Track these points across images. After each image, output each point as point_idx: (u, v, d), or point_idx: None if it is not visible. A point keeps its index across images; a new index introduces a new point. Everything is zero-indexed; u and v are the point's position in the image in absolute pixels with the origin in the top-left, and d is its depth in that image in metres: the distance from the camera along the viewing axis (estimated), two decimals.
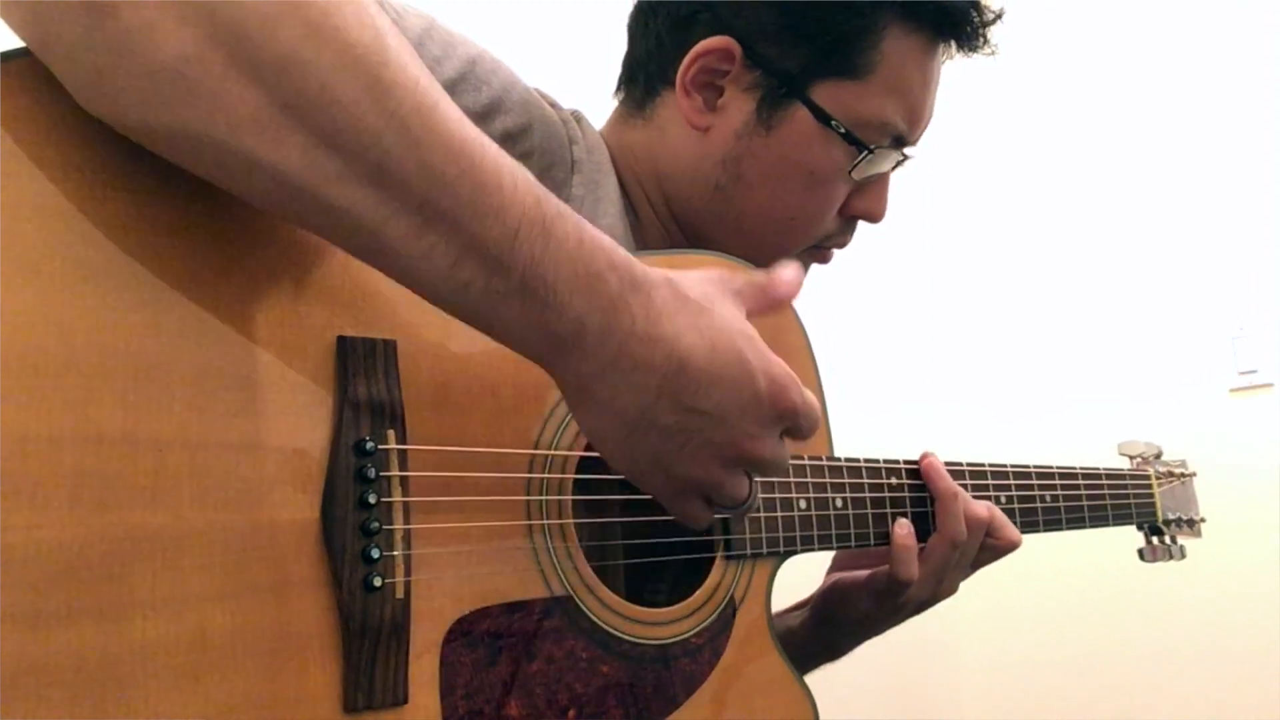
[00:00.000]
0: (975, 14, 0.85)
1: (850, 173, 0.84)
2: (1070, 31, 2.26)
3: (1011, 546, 0.89)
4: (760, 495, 0.61)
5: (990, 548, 0.88)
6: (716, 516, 0.60)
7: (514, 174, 0.49)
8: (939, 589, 0.87)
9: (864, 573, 0.89)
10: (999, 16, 0.87)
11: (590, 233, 0.52)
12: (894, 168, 0.89)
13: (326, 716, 0.50)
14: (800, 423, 0.58)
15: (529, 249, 0.48)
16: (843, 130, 0.82)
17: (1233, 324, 2.07)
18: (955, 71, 0.90)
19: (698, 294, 0.56)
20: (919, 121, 0.87)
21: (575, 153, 0.79)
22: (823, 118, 0.82)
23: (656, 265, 0.73)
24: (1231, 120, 2.10)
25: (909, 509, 0.85)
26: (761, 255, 0.86)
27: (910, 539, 0.83)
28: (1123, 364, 2.16)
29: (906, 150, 0.88)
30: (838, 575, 0.93)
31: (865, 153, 0.83)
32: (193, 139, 0.44)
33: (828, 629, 0.93)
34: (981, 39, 0.87)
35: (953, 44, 0.86)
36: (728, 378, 0.54)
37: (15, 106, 0.45)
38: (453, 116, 0.48)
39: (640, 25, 0.89)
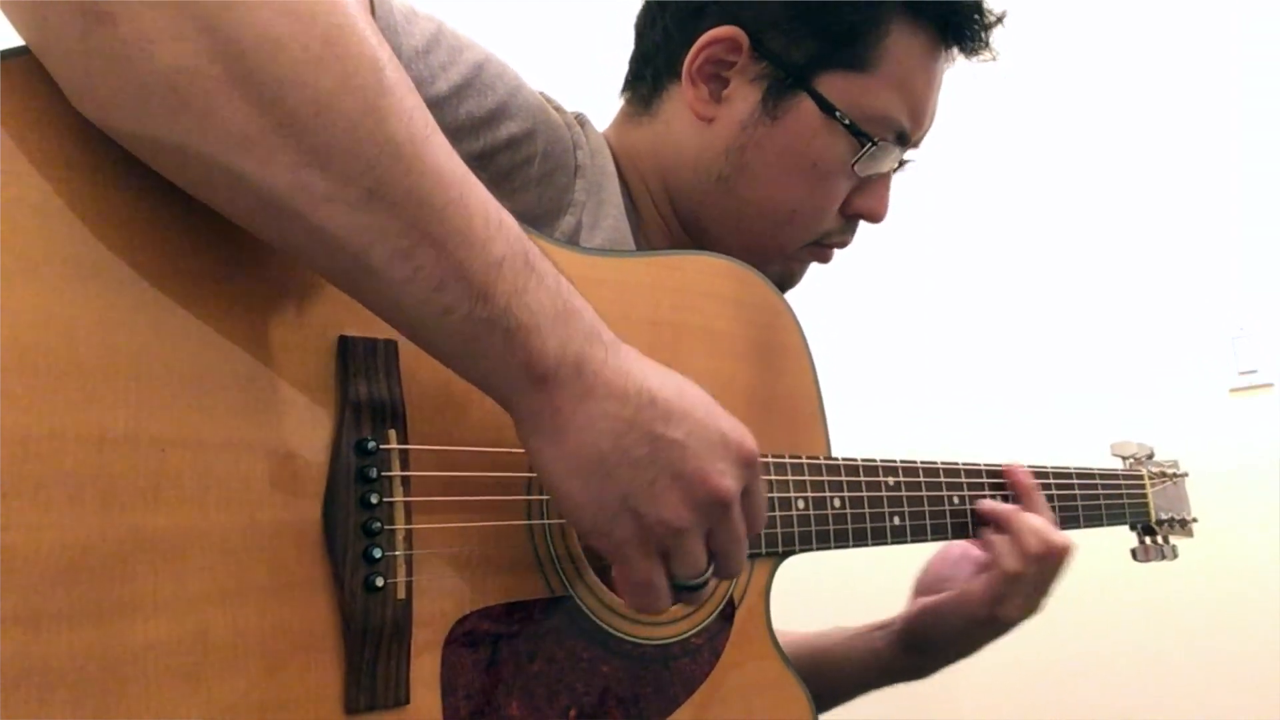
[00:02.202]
0: (978, 16, 0.87)
1: (853, 166, 0.85)
2: (1072, 32, 2.26)
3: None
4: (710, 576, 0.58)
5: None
6: (673, 597, 0.58)
7: (499, 212, 0.50)
8: (1036, 598, 0.90)
9: (952, 592, 0.91)
10: (1000, 20, 0.88)
11: (565, 277, 0.53)
12: (896, 169, 0.90)
13: (328, 717, 0.50)
14: (756, 486, 0.58)
15: (512, 279, 0.49)
16: (847, 122, 0.83)
17: (1233, 324, 2.08)
18: (958, 66, 0.91)
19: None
20: (921, 120, 0.88)
21: (579, 157, 0.79)
22: (827, 109, 0.83)
23: (658, 265, 0.74)
24: (1231, 120, 2.10)
25: (905, 507, 0.85)
26: (762, 250, 0.87)
27: (998, 532, 0.87)
28: (1123, 364, 2.16)
29: (908, 153, 0.89)
30: (925, 601, 0.95)
31: (869, 145, 0.84)
32: (180, 151, 0.44)
33: (917, 653, 0.95)
34: (982, 42, 0.88)
35: (955, 49, 0.88)
36: (695, 416, 0.55)
37: (15, 105, 0.45)
38: (444, 149, 0.48)
39: (649, 21, 0.90)
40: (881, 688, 0.98)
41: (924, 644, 0.94)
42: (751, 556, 0.74)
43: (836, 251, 0.93)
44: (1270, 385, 2.03)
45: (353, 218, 0.45)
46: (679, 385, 0.56)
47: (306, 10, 0.44)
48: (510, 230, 0.50)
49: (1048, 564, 0.88)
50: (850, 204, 0.89)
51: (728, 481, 0.55)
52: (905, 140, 0.87)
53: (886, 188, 0.90)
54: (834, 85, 0.83)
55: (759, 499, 0.59)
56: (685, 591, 0.58)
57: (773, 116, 0.83)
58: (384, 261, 0.47)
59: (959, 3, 0.85)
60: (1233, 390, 2.07)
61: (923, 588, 0.98)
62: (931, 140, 0.92)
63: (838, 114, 0.83)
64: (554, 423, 0.52)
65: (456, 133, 0.68)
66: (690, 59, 0.84)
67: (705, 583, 0.58)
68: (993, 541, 0.89)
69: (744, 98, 0.84)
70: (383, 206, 0.46)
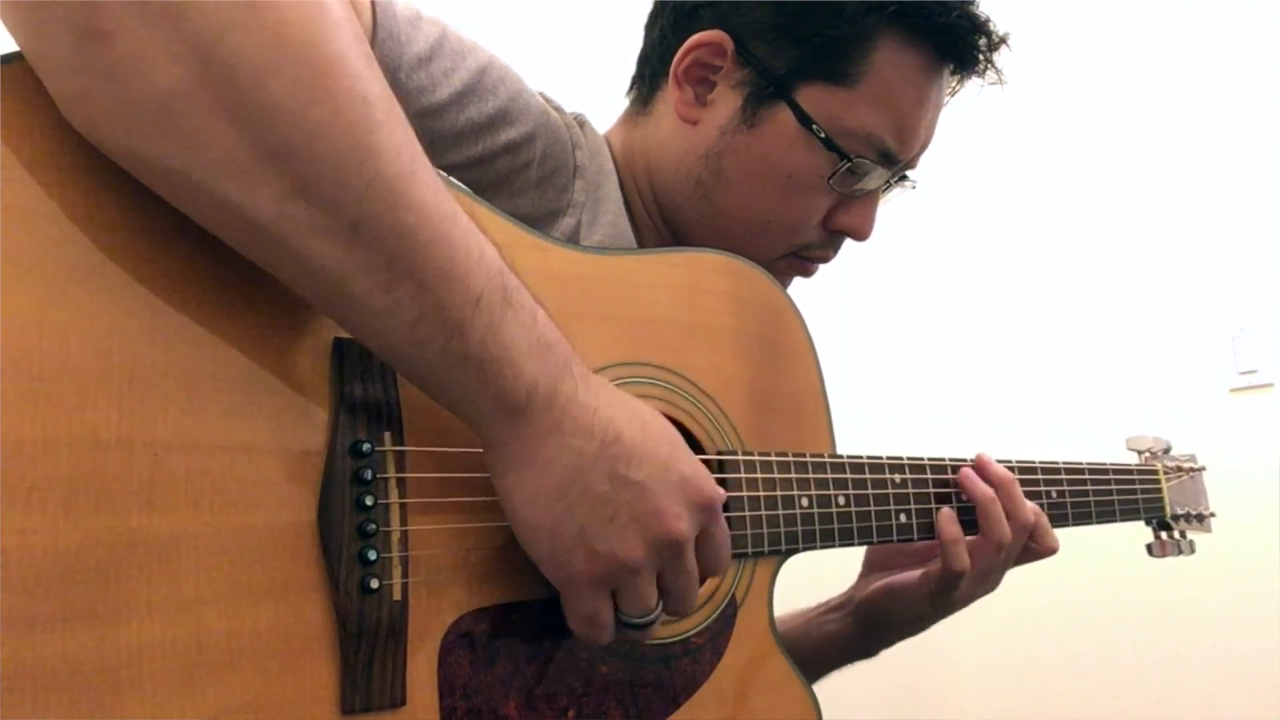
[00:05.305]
0: (978, 38, 0.84)
1: (830, 181, 0.83)
2: (1073, 32, 2.25)
3: (1049, 552, 0.89)
4: (659, 613, 0.59)
5: (1030, 550, 0.88)
6: (617, 633, 0.59)
7: (481, 246, 0.51)
8: (985, 586, 0.87)
9: (915, 573, 0.89)
10: (1004, 41, 0.85)
11: (543, 311, 0.54)
12: (885, 188, 0.88)
13: (324, 718, 0.50)
14: (714, 529, 0.60)
15: (489, 314, 0.50)
16: (823, 135, 0.81)
17: (1233, 324, 2.06)
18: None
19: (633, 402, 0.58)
20: (909, 140, 0.85)
21: (578, 158, 0.80)
22: (804, 120, 0.81)
23: (661, 262, 0.74)
24: (1231, 121, 2.08)
25: (912, 504, 0.84)
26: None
27: (956, 529, 0.83)
28: (1123, 364, 2.15)
29: (910, 175, 0.87)
30: (884, 579, 0.93)
31: (845, 162, 0.82)
32: (168, 172, 0.45)
33: (875, 632, 0.93)
34: (985, 65, 0.85)
35: (955, 67, 0.85)
36: (658, 458, 0.56)
37: (11, 110, 0.45)
38: (430, 184, 0.49)
39: (653, 19, 0.90)
40: (836, 668, 0.96)
41: (882, 622, 0.93)
42: (754, 556, 0.73)
43: (833, 260, 0.91)
44: (1270, 385, 2.02)
45: (335, 249, 0.46)
46: (644, 423, 0.57)
47: (302, 40, 0.44)
48: (491, 263, 0.51)
49: (997, 560, 0.85)
50: (833, 219, 0.87)
51: (682, 525, 0.56)
52: (891, 160, 0.84)
53: (872, 206, 0.88)
54: (814, 97, 0.81)
55: (718, 543, 0.61)
56: (631, 629, 0.59)
57: (750, 124, 0.82)
58: (364, 292, 0.47)
59: (954, 24, 0.81)
60: (1233, 390, 2.05)
61: (875, 563, 0.97)
62: (936, 140, 0.91)
63: (814, 127, 0.81)
64: (521, 453, 0.53)
65: (457, 138, 0.69)
66: (677, 61, 0.84)
67: (652, 622, 0.59)
68: (943, 536, 0.84)
69: (726, 103, 0.83)
70: (366, 240, 0.46)
